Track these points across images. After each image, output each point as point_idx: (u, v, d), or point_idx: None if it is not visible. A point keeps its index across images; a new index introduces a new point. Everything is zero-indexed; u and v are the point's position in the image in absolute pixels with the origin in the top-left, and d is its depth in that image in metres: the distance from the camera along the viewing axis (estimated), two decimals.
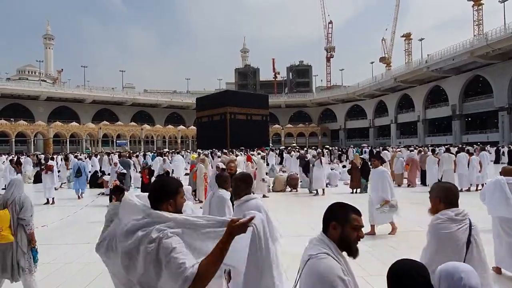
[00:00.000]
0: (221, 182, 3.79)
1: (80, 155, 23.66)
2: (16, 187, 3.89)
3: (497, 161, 24.04)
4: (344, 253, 1.71)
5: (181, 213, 1.82)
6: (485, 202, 4.54)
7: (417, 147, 24.20)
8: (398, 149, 24.27)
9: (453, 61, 42.87)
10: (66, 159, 20.55)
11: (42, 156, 23.13)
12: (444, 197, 2.40)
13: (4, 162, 18.22)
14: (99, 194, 12.75)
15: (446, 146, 15.49)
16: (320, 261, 1.59)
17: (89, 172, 15.35)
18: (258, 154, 19.92)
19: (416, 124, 55.79)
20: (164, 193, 1.81)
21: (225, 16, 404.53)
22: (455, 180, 11.70)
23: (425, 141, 50.48)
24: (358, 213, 1.74)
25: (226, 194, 3.64)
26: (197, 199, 11.10)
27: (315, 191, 12.31)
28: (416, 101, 55.22)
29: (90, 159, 17.91)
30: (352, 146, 38.42)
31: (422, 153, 14.83)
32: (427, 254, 2.36)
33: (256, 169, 12.37)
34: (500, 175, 4.58)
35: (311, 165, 12.37)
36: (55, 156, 23.95)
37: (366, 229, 6.66)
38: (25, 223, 3.76)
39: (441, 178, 11.75)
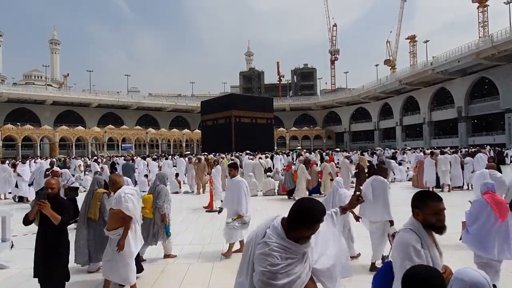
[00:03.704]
0: (381, 171, 5.06)
1: (127, 156, 25.58)
2: (158, 179, 5.53)
3: (501, 163, 23.75)
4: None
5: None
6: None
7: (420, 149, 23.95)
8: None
9: (459, 63, 42.64)
10: (112, 165, 17.77)
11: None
12: None
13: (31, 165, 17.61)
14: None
15: (441, 150, 16.29)
16: (403, 233, 2.09)
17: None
18: (266, 157, 19.89)
19: (422, 127, 55.42)
20: (308, 219, 1.82)
21: (230, 20, 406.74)
22: (448, 179, 12.78)
23: (431, 144, 50.03)
24: (437, 199, 2.10)
25: (385, 179, 4.86)
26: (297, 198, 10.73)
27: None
28: (421, 103, 54.90)
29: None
30: (387, 148, 37.05)
31: (434, 155, 14.90)
32: None
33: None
34: (486, 169, 6.01)
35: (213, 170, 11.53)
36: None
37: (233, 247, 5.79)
38: (158, 207, 5.30)
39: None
